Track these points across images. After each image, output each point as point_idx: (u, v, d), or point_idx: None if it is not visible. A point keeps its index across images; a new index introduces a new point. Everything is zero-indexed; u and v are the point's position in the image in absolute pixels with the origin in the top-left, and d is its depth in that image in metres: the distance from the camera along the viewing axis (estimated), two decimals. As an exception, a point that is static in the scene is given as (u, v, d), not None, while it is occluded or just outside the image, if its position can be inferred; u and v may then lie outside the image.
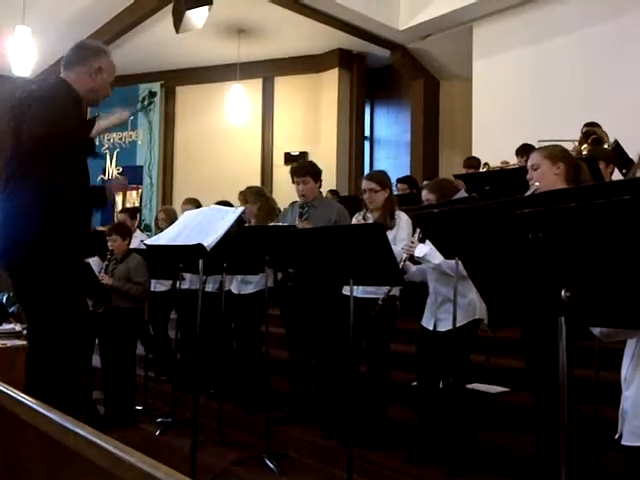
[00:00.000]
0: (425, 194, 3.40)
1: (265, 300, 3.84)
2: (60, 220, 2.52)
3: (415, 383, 3.55)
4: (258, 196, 4.51)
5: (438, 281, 3.25)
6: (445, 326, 3.16)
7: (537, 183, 2.65)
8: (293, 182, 4.11)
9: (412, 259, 3.25)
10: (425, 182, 5.86)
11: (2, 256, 2.61)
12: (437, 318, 3.24)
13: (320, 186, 4.27)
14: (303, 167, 4.21)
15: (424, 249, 3.15)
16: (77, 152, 2.61)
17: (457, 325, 3.05)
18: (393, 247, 2.82)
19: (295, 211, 4.15)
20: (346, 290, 3.18)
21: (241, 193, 4.82)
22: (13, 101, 2.64)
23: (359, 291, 3.49)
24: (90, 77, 2.68)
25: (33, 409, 1.31)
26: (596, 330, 1.62)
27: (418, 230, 3.24)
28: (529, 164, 2.76)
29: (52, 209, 2.50)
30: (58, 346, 2.51)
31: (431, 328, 3.25)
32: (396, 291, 3.48)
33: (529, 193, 2.67)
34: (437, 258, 3.09)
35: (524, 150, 5.50)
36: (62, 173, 2.55)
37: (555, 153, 2.71)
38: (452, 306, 3.06)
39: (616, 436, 1.56)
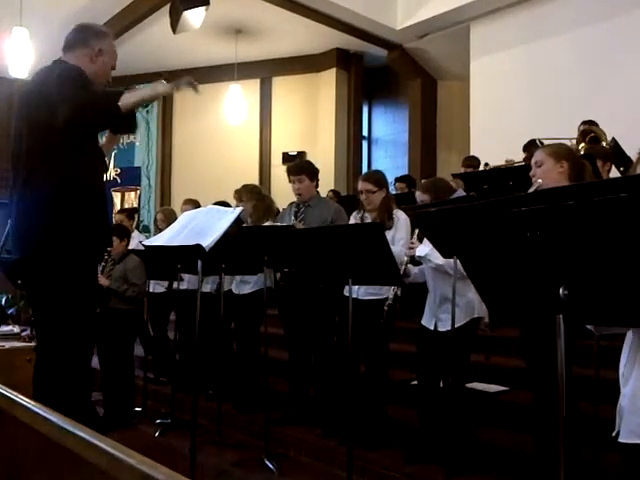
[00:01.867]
0: (419, 195, 3.39)
1: (263, 300, 3.83)
2: (81, 214, 2.43)
3: (415, 382, 3.54)
4: (253, 194, 4.48)
5: (437, 280, 3.24)
6: (446, 326, 3.14)
7: (540, 180, 2.65)
8: (290, 181, 4.11)
9: (413, 260, 3.24)
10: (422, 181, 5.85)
11: (21, 254, 2.52)
12: (437, 318, 3.23)
13: (317, 185, 4.26)
14: (299, 166, 4.22)
15: (425, 249, 3.13)
16: (104, 127, 2.51)
17: (457, 324, 3.03)
18: (392, 247, 2.82)
19: (292, 211, 4.15)
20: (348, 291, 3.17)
21: (236, 192, 4.81)
22: (19, 100, 2.57)
23: (361, 293, 3.49)
24: (90, 60, 2.56)
25: (32, 411, 1.30)
26: None
27: (417, 230, 3.23)
28: (533, 161, 2.76)
29: (73, 203, 2.41)
30: (67, 343, 2.45)
31: (432, 328, 3.25)
32: (398, 291, 3.46)
33: (532, 190, 2.67)
34: (439, 258, 3.05)
35: (531, 146, 5.48)
36: (81, 164, 2.45)
37: (559, 151, 2.72)
38: (451, 305, 3.05)
39: (614, 433, 1.57)
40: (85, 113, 2.35)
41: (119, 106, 2.37)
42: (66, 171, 2.41)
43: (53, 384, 2.45)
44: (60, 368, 2.47)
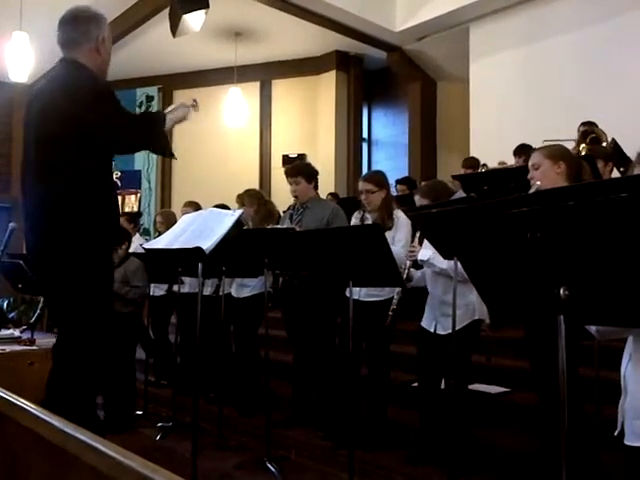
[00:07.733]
0: (418, 199, 3.37)
1: (264, 303, 3.83)
2: (95, 218, 2.40)
3: (416, 384, 3.54)
4: (255, 199, 4.52)
5: (437, 283, 3.23)
6: (446, 329, 3.13)
7: (538, 182, 2.65)
8: (288, 183, 4.12)
9: (414, 264, 3.23)
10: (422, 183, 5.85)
11: (37, 260, 2.48)
12: (438, 321, 3.22)
13: (316, 187, 4.25)
14: (295, 167, 4.23)
15: (427, 253, 3.12)
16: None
17: (458, 327, 3.00)
18: (392, 247, 2.82)
19: (288, 214, 4.16)
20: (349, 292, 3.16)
21: (239, 196, 4.84)
22: (27, 107, 2.50)
23: (362, 294, 3.49)
24: (97, 52, 2.45)
25: (33, 414, 1.30)
26: (592, 329, 1.62)
27: (418, 233, 3.22)
28: (530, 163, 2.76)
29: (88, 206, 2.37)
30: (86, 345, 2.39)
31: (432, 331, 3.24)
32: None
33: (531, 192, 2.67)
34: (442, 262, 3.04)
35: (521, 150, 5.51)
36: (95, 168, 2.41)
37: (556, 152, 2.72)
38: (452, 308, 3.04)
39: (615, 432, 1.56)
40: (138, 137, 2.51)
41: (164, 131, 2.55)
42: (75, 179, 2.37)
43: (68, 387, 2.40)
44: (77, 371, 2.42)
